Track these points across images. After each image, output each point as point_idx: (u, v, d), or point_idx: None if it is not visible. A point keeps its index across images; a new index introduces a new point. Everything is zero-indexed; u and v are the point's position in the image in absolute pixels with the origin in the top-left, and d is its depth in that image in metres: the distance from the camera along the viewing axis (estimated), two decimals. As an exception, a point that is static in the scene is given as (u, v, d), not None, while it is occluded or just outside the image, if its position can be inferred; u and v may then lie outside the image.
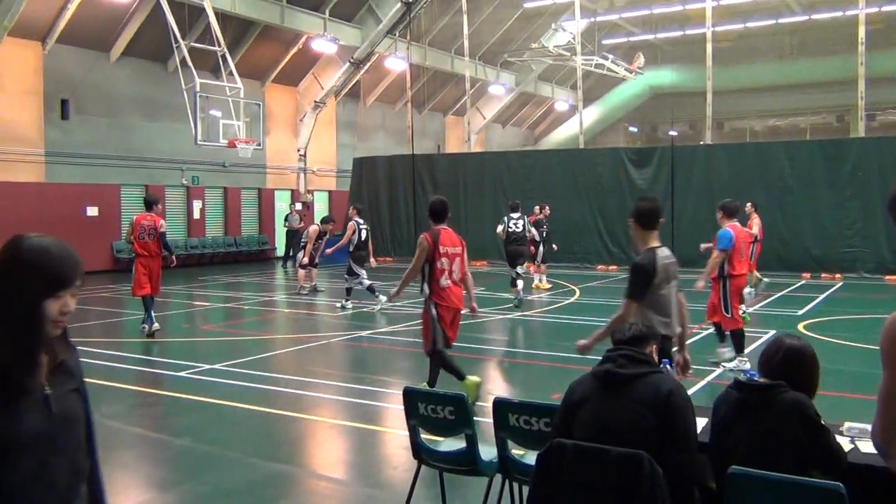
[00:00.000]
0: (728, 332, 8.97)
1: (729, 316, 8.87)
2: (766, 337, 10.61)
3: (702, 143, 25.33)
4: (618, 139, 41.97)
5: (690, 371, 5.26)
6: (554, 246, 17.60)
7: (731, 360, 8.85)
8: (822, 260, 18.91)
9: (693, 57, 33.43)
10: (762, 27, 35.53)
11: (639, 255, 5.04)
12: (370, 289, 14.00)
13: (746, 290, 15.19)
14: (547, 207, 17.66)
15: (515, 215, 15.11)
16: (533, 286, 16.79)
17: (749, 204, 15.43)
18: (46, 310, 1.89)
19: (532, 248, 16.20)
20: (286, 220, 24.35)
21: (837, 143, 20.73)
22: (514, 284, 14.31)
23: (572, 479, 3.08)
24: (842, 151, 19.19)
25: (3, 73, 19.59)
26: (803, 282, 17.90)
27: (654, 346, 3.52)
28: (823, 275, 18.62)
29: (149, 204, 11.64)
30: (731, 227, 8.84)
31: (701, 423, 3.46)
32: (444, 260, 7.12)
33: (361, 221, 14.62)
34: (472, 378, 7.30)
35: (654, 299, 4.87)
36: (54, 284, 1.93)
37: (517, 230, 14.90)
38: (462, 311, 7.43)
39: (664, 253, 5.00)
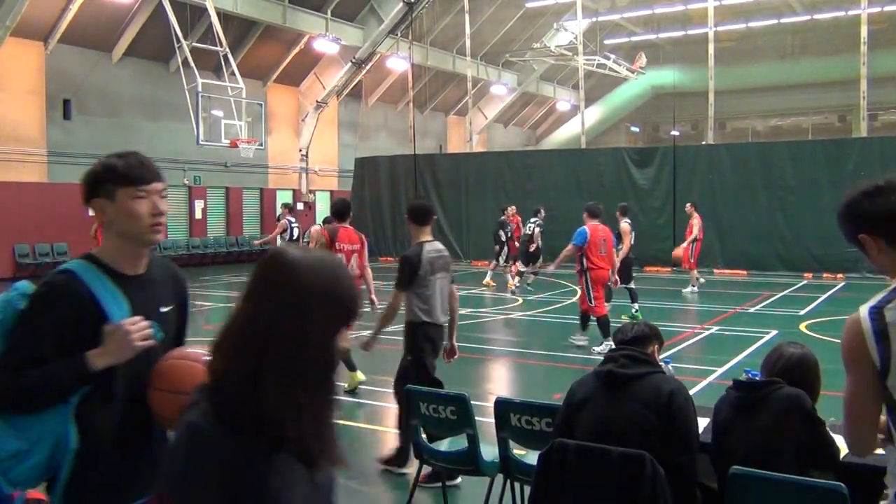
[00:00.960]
0: (596, 320, 9.93)
1: (592, 305, 9.86)
2: (767, 337, 10.61)
3: (704, 143, 25.33)
4: (620, 139, 41.92)
5: (456, 357, 5.91)
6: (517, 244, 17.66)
7: (600, 343, 9.72)
8: (823, 260, 18.88)
9: (695, 57, 33.38)
10: (764, 27, 35.50)
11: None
12: None
13: (687, 289, 15.46)
14: (513, 208, 18.04)
15: (534, 219, 16.09)
16: (484, 282, 17.37)
17: (688, 204, 16.12)
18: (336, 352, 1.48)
19: (496, 247, 17.24)
20: (278, 220, 24.26)
21: (839, 143, 20.73)
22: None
23: (574, 480, 3.08)
24: (844, 151, 19.17)
25: (5, 73, 19.60)
26: (805, 282, 17.89)
27: (657, 346, 3.53)
28: (825, 275, 18.60)
29: None
30: (589, 227, 9.87)
31: (702, 423, 3.46)
32: (340, 255, 7.46)
33: (293, 220, 15.35)
34: (359, 375, 8.11)
35: (419, 289, 5.47)
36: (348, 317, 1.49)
37: (531, 232, 16.02)
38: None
39: (431, 247, 5.58)
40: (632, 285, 12.64)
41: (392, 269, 18.02)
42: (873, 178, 2.17)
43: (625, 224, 13.06)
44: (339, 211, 8.19)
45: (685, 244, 15.87)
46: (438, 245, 5.70)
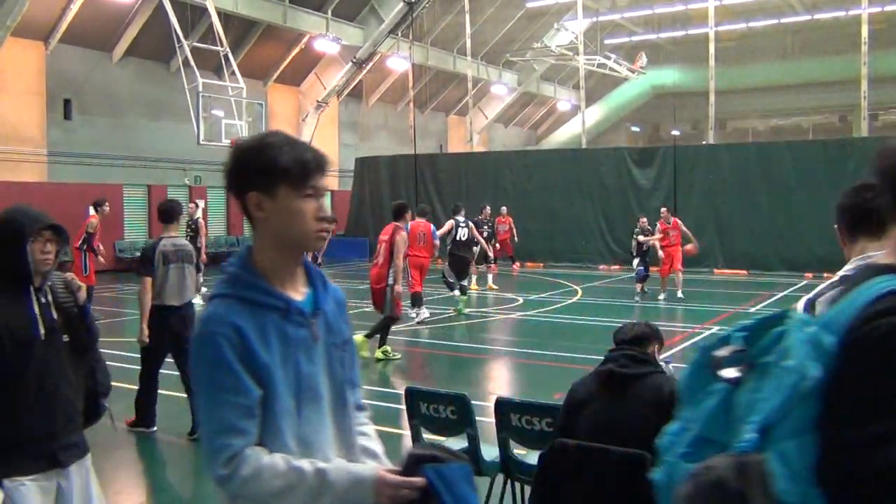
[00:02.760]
0: (411, 295, 11.82)
1: (410, 283, 11.77)
2: (768, 337, 10.59)
3: (704, 142, 25.34)
4: (620, 139, 41.93)
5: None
6: (497, 245, 17.53)
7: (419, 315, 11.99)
8: (824, 259, 18.83)
9: (695, 57, 33.40)
10: (765, 27, 35.53)
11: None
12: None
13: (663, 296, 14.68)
14: (488, 208, 17.58)
15: (461, 219, 13.57)
16: (487, 287, 16.57)
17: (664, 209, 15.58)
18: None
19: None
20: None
21: (840, 143, 20.72)
22: (452, 288, 13.53)
23: (574, 480, 3.08)
24: (844, 151, 19.14)
25: (6, 73, 19.60)
26: (806, 281, 17.86)
27: (657, 346, 3.53)
28: (825, 274, 18.56)
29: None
30: (412, 224, 11.49)
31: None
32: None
33: (461, 220, 13.95)
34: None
35: (161, 276, 6.47)
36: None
37: (464, 238, 13.45)
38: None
39: (169, 241, 6.65)
40: (464, 282, 13.48)
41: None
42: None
43: (450, 221, 13.62)
44: (396, 210, 10.16)
45: (690, 245, 15.06)
46: (178, 241, 6.88)
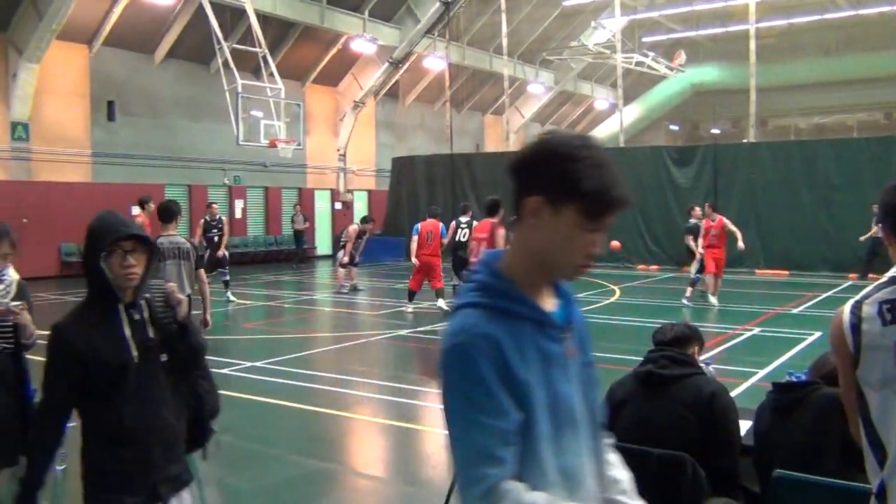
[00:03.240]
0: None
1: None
2: (811, 339, 10.42)
3: (745, 141, 24.95)
4: (658, 138, 41.48)
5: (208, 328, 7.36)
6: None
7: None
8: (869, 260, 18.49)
9: (736, 54, 32.91)
10: (807, 23, 34.88)
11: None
12: None
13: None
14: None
15: (464, 220, 13.42)
16: None
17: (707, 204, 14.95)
18: None
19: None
20: (292, 220, 24.44)
21: (885, 141, 20.24)
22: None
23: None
24: (889, 149, 18.74)
25: (51, 75, 20.05)
26: (850, 283, 17.52)
27: (697, 348, 3.49)
28: (870, 275, 18.20)
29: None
30: (422, 224, 13.35)
31: (744, 426, 3.41)
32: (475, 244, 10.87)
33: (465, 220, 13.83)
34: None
35: (160, 272, 6.83)
36: None
37: (465, 239, 13.11)
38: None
39: (167, 239, 7.26)
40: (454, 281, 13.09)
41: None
42: None
43: (453, 223, 13.62)
44: (489, 207, 10.89)
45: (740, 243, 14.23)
46: (179, 238, 7.46)
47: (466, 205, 14.38)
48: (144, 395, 2.70)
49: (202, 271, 7.58)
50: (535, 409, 1.55)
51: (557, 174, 1.58)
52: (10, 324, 3.47)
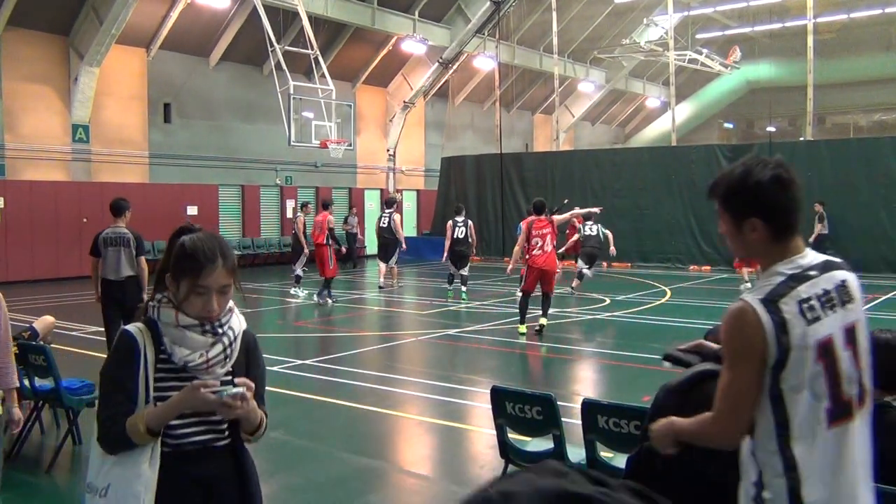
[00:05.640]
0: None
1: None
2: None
3: (802, 138, 24.39)
4: (712, 136, 40.80)
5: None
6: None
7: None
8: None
9: (792, 50, 32.23)
10: (867, 17, 33.91)
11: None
12: None
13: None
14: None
15: (460, 219, 15.60)
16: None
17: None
18: None
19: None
20: (346, 221, 24.58)
21: (950, 138, 19.62)
22: (451, 282, 15.98)
23: (663, 485, 3.02)
24: (955, 146, 18.16)
25: (110, 79, 20.59)
26: (912, 284, 17.00)
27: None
28: (934, 277, 17.63)
29: (325, 205, 15.63)
30: (524, 222, 12.77)
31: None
32: (536, 240, 10.88)
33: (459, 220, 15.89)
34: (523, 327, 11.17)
35: (102, 257, 8.12)
36: None
37: (461, 236, 15.51)
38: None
39: (111, 230, 8.23)
40: (464, 271, 15.42)
41: (477, 267, 17.76)
42: None
43: (449, 222, 15.69)
44: (536, 207, 11.34)
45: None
46: (120, 230, 8.22)
47: (459, 206, 16.65)
48: None
49: (143, 258, 8.34)
50: None
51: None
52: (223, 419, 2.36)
